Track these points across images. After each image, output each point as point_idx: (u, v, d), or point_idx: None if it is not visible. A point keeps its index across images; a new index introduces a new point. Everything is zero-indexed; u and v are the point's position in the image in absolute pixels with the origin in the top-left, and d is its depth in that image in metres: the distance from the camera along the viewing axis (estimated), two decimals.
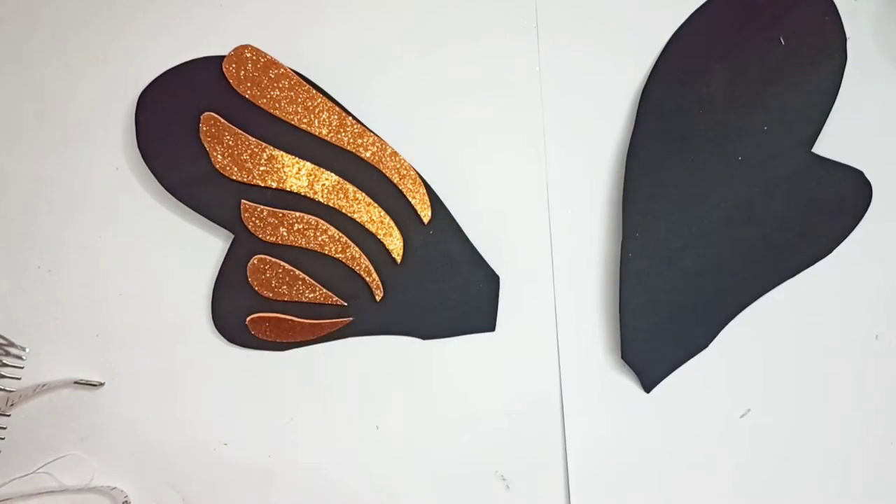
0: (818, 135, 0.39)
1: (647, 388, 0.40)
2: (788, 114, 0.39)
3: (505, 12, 0.41)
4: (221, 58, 0.38)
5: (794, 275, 0.39)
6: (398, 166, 0.39)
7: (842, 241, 0.39)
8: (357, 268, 0.39)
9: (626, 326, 0.39)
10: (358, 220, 0.39)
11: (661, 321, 0.39)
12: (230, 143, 0.38)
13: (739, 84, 0.39)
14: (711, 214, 0.39)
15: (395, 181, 0.39)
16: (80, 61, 0.42)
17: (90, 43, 0.42)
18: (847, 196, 0.39)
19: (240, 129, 0.38)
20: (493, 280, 0.40)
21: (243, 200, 0.38)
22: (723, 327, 0.39)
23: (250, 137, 0.38)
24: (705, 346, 0.39)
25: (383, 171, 0.39)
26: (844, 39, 0.39)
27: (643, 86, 0.40)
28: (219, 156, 0.38)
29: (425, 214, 0.39)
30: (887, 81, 0.41)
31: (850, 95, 0.40)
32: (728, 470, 0.40)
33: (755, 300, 0.39)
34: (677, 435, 0.40)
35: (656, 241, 0.39)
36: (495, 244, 0.40)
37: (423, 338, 0.40)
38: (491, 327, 0.40)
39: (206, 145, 0.38)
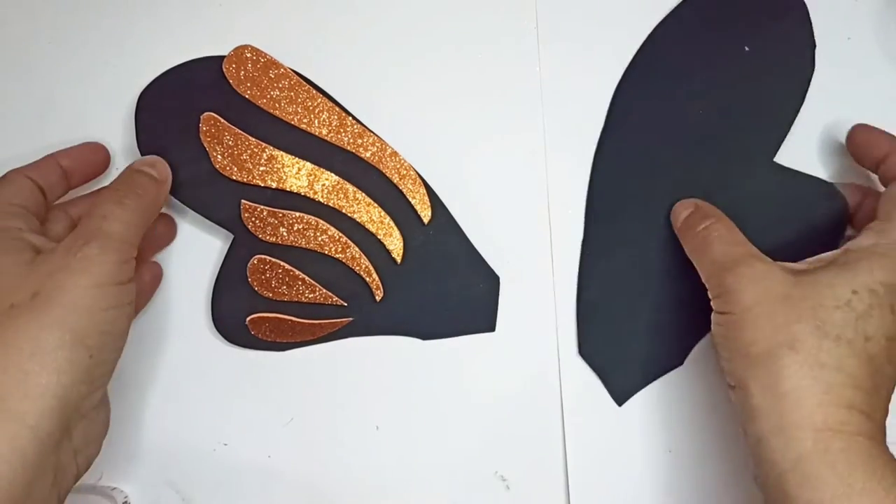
0: (779, 146, 0.39)
1: (618, 399, 0.40)
2: (752, 123, 0.39)
3: (505, 13, 0.41)
4: (221, 58, 0.38)
5: None
6: (398, 166, 0.39)
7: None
8: (357, 268, 0.39)
9: (583, 322, 0.40)
10: (358, 220, 0.39)
11: (625, 324, 0.39)
12: (230, 143, 0.38)
13: (706, 92, 0.39)
14: (668, 219, 0.39)
15: (395, 181, 0.39)
16: (80, 61, 0.42)
17: (90, 43, 0.42)
18: (816, 210, 0.38)
19: (240, 129, 0.38)
20: (493, 280, 0.40)
21: (243, 200, 0.38)
22: (695, 344, 0.39)
23: (250, 138, 0.38)
24: (679, 363, 0.40)
25: (383, 171, 0.39)
26: (813, 48, 0.39)
27: (612, 94, 0.40)
28: (219, 156, 0.38)
29: (425, 214, 0.39)
30: (887, 81, 0.41)
31: (851, 95, 0.40)
32: (728, 469, 0.40)
33: None
34: (677, 435, 0.40)
35: (616, 242, 0.40)
36: (495, 244, 0.40)
37: (423, 338, 0.40)
38: (491, 327, 0.40)
39: (205, 145, 0.38)
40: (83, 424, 0.32)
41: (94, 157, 0.39)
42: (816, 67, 0.40)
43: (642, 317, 0.39)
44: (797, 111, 0.39)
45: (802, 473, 0.29)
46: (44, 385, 0.29)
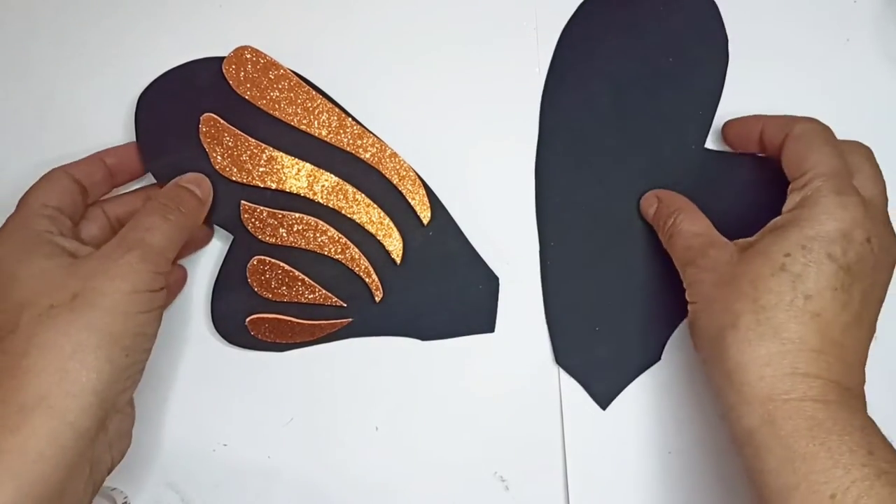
0: (707, 133, 0.39)
1: (602, 403, 0.40)
2: (676, 115, 0.40)
3: (505, 14, 0.41)
4: (221, 59, 0.38)
5: None
6: (398, 167, 0.39)
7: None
8: (356, 269, 0.39)
9: (556, 332, 0.40)
10: (357, 221, 0.39)
11: (597, 328, 0.40)
12: (230, 144, 0.38)
13: (629, 88, 0.40)
14: (621, 220, 0.40)
15: (394, 182, 0.39)
16: (80, 62, 0.41)
17: (90, 43, 0.42)
18: (755, 183, 0.39)
19: (239, 130, 0.38)
20: (492, 281, 0.40)
21: (243, 201, 0.38)
22: (668, 337, 0.40)
23: (250, 138, 0.38)
24: (657, 359, 0.40)
25: (383, 172, 0.39)
26: (726, 41, 0.39)
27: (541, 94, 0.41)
28: (218, 157, 0.38)
29: (425, 215, 0.39)
30: (887, 81, 0.41)
31: (851, 95, 0.40)
32: (729, 468, 0.40)
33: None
34: (678, 434, 0.40)
35: (574, 249, 0.40)
36: (495, 245, 0.40)
37: (423, 339, 0.40)
38: (490, 328, 0.40)
39: (205, 146, 0.38)
40: (117, 419, 0.33)
41: (134, 155, 0.39)
42: (816, 67, 0.40)
43: (611, 317, 0.40)
44: (717, 101, 0.39)
45: (753, 446, 0.30)
46: (83, 383, 0.30)
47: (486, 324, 0.40)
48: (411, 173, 0.39)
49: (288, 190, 0.39)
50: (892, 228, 0.33)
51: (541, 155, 0.40)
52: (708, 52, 0.40)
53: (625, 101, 0.40)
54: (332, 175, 0.39)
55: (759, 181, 0.38)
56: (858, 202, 0.31)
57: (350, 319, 0.40)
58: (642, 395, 0.40)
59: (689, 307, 0.34)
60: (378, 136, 0.39)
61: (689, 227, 0.36)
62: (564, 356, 0.40)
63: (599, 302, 0.40)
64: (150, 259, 0.33)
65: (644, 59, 0.40)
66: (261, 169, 0.38)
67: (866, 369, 0.40)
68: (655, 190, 0.39)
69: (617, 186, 0.40)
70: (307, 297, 0.39)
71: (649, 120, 0.40)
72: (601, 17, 0.40)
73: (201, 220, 0.37)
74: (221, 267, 0.39)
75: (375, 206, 0.39)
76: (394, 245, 0.39)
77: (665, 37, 0.40)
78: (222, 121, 0.38)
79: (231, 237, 0.39)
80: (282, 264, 0.39)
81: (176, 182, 0.37)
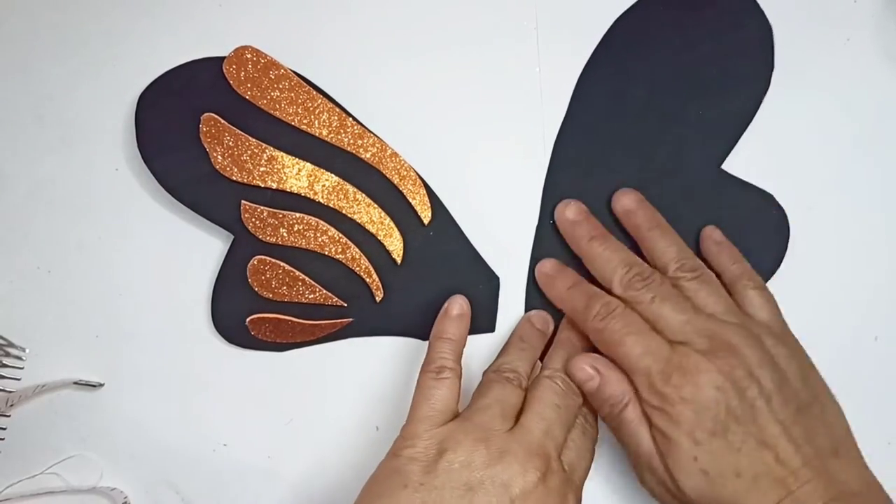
0: (727, 155, 0.39)
1: None
2: (704, 129, 0.39)
3: (505, 14, 0.41)
4: (222, 59, 0.38)
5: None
6: (398, 167, 0.39)
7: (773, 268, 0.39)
8: (357, 269, 0.39)
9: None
10: (358, 220, 0.39)
11: None
12: (230, 143, 0.38)
13: (665, 91, 0.39)
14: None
15: (395, 182, 0.39)
16: (80, 62, 0.41)
17: (90, 43, 0.42)
18: (755, 220, 0.39)
19: (240, 129, 0.38)
20: (492, 281, 0.40)
21: (243, 201, 0.38)
22: None
23: (250, 138, 0.38)
24: None
25: (383, 171, 0.39)
26: (772, 68, 0.39)
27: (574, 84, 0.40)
28: (219, 156, 0.38)
29: (425, 215, 0.39)
30: (887, 81, 0.41)
31: (851, 95, 0.40)
32: None
33: None
34: None
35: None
36: (495, 245, 0.40)
37: (423, 338, 0.40)
38: (491, 328, 0.40)
39: (206, 146, 0.38)
40: None
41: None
42: (816, 67, 0.40)
43: None
44: (746, 126, 0.39)
45: None
46: None
47: (486, 324, 0.40)
48: (412, 173, 0.39)
49: (288, 190, 0.39)
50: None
51: (560, 144, 0.40)
52: (754, 74, 0.39)
53: (657, 103, 0.39)
54: (333, 175, 0.39)
55: (764, 214, 0.39)
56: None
57: (350, 319, 0.40)
58: None
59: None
60: (378, 135, 0.39)
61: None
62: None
63: None
64: None
65: (688, 67, 0.39)
66: (261, 169, 0.38)
67: (864, 370, 0.40)
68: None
69: (623, 176, 0.39)
70: (307, 297, 0.39)
71: (676, 127, 0.39)
72: (655, 17, 0.40)
73: None
74: (221, 267, 0.39)
75: (376, 205, 0.39)
76: (394, 245, 0.39)
77: (716, 50, 0.39)
78: (222, 121, 0.38)
79: (231, 237, 0.39)
80: (282, 264, 0.39)
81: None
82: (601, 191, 0.39)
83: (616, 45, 0.40)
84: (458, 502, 0.31)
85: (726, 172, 0.39)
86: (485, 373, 0.37)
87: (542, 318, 0.39)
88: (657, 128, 0.39)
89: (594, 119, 0.40)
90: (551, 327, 0.39)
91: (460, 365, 0.36)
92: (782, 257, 0.39)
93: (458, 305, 0.38)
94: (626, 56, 0.40)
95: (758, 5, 0.39)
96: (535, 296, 0.40)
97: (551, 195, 0.40)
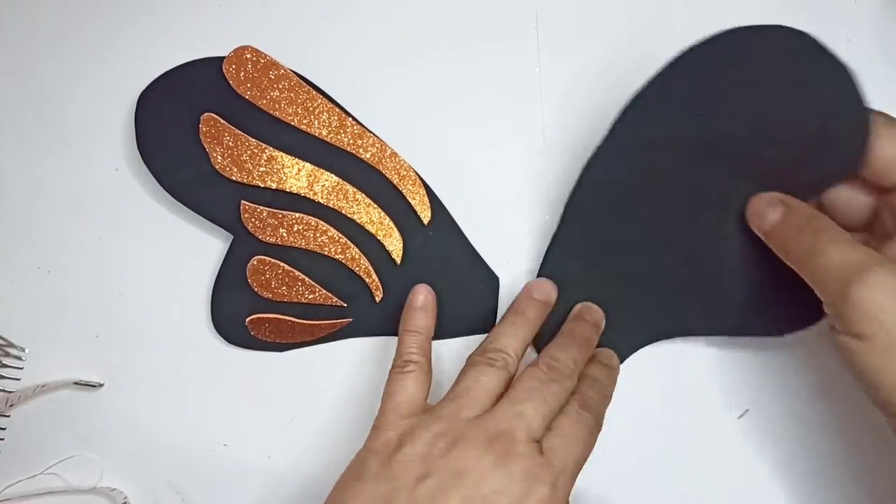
0: None
1: None
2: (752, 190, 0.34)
3: (505, 13, 0.41)
4: (221, 58, 0.38)
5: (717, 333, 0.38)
6: (398, 167, 0.39)
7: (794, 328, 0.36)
8: (357, 269, 0.39)
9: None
10: (358, 220, 0.39)
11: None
12: (230, 143, 0.38)
13: (715, 143, 0.35)
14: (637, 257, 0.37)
15: (394, 182, 0.39)
16: (80, 62, 0.42)
17: (90, 43, 0.42)
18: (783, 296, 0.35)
19: (240, 129, 0.38)
20: (492, 281, 0.40)
21: (243, 201, 0.38)
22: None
23: (250, 138, 0.38)
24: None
25: (383, 171, 0.39)
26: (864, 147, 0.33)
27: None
28: (218, 156, 0.38)
29: (425, 215, 0.39)
30: (887, 81, 0.41)
31: None
32: (728, 468, 0.40)
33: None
34: (677, 435, 0.40)
35: (574, 275, 0.38)
36: (495, 244, 0.40)
37: None
38: (490, 328, 0.40)
39: (205, 146, 0.38)
40: None
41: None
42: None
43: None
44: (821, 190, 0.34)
45: None
46: None
47: (486, 324, 0.40)
48: (412, 173, 0.39)
49: (288, 190, 0.39)
50: None
51: (596, 158, 0.36)
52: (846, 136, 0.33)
53: (710, 150, 0.35)
54: (333, 175, 0.39)
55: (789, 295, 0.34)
56: None
57: (350, 319, 0.40)
58: (644, 395, 0.40)
59: (853, 342, 0.28)
60: (378, 135, 0.39)
61: (840, 235, 0.30)
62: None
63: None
64: None
65: (752, 120, 0.34)
66: (261, 169, 0.38)
67: None
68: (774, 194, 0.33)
69: (649, 232, 0.37)
70: (307, 297, 0.39)
71: (722, 179, 0.35)
72: (720, 61, 0.34)
73: None
74: (221, 267, 0.39)
75: (375, 205, 0.39)
76: (394, 245, 0.39)
77: (795, 111, 0.34)
78: (222, 120, 0.38)
79: (231, 237, 0.39)
80: (282, 264, 0.39)
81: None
82: (617, 238, 0.38)
83: (667, 85, 0.35)
84: (409, 494, 0.30)
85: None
86: (470, 356, 0.35)
87: (543, 289, 0.37)
88: (702, 175, 0.35)
89: (633, 151, 0.36)
90: (553, 297, 0.37)
91: (427, 356, 0.36)
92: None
93: (421, 297, 0.38)
94: (677, 100, 0.35)
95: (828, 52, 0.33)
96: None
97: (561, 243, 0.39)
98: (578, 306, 0.38)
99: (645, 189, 0.36)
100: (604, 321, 0.38)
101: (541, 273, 0.39)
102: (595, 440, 0.33)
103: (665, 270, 0.37)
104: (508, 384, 0.34)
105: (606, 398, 0.35)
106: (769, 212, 0.33)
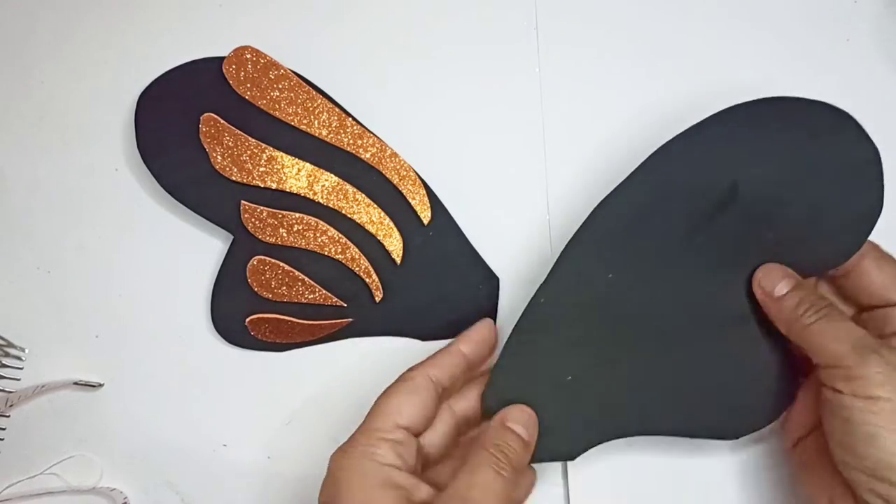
0: None
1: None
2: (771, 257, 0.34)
3: (504, 14, 0.41)
4: (221, 59, 0.38)
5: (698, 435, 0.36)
6: (398, 167, 0.39)
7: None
8: (357, 269, 0.39)
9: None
10: (358, 221, 0.39)
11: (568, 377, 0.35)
12: (230, 143, 0.38)
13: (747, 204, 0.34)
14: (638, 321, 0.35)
15: (394, 182, 0.39)
16: (80, 61, 0.42)
17: (90, 43, 0.42)
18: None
19: (239, 129, 0.38)
20: (492, 281, 0.40)
21: (243, 201, 0.38)
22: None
23: (250, 138, 0.38)
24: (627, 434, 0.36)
25: (383, 171, 0.39)
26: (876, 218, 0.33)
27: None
28: (218, 157, 0.38)
29: (425, 215, 0.39)
30: (887, 81, 0.41)
31: (851, 95, 0.40)
32: (728, 468, 0.40)
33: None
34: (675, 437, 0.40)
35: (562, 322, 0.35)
36: (495, 245, 0.40)
37: (423, 339, 0.40)
38: None
39: (205, 146, 0.38)
40: None
41: (490, 336, 0.37)
42: (816, 67, 0.40)
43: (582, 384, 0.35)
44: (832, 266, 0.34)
45: None
46: None
47: None
48: (412, 173, 0.39)
49: (288, 190, 0.39)
50: None
51: (601, 216, 0.35)
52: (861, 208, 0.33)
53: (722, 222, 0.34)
54: (333, 175, 0.39)
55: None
56: None
57: (350, 319, 0.40)
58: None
59: (853, 400, 0.30)
60: (378, 135, 0.39)
61: (843, 318, 0.32)
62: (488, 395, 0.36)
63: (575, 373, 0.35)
64: None
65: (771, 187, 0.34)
66: (261, 169, 0.38)
67: None
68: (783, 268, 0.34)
69: (660, 288, 0.35)
70: (307, 297, 0.39)
71: (734, 254, 0.34)
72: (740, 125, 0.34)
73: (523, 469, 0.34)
74: (221, 267, 0.39)
75: (376, 206, 0.39)
76: (394, 245, 0.39)
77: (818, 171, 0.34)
78: (222, 121, 0.38)
79: (231, 237, 0.39)
80: (282, 264, 0.39)
81: (502, 422, 0.33)
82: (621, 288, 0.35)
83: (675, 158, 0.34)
84: None
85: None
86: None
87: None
88: (712, 250, 0.34)
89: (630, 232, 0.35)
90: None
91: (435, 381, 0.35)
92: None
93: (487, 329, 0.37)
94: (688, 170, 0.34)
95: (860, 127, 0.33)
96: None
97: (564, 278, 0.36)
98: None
99: (634, 270, 0.35)
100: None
101: (506, 346, 0.36)
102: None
103: (635, 361, 0.35)
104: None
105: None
106: (782, 283, 0.34)
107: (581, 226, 0.35)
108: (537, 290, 0.35)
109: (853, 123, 0.33)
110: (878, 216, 0.33)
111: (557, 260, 0.35)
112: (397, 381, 0.34)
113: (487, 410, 0.35)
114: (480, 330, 0.37)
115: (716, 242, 0.34)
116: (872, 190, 0.33)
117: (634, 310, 0.35)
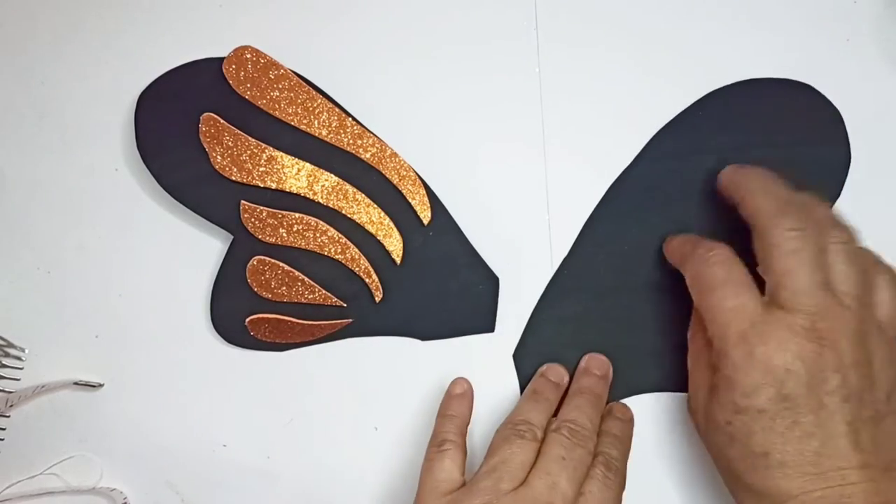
0: None
1: None
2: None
3: (504, 14, 0.41)
4: (221, 59, 0.38)
5: None
6: (398, 167, 0.39)
7: None
8: (357, 269, 0.39)
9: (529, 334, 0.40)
10: (357, 221, 0.39)
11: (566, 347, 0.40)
12: (230, 143, 0.38)
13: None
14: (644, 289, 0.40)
15: (394, 182, 0.39)
16: (80, 61, 0.42)
17: (90, 43, 0.42)
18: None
19: (239, 129, 0.38)
20: (492, 281, 0.40)
21: (243, 201, 0.38)
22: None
23: (250, 138, 0.38)
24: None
25: (383, 171, 0.39)
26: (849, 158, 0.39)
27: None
28: (218, 156, 0.38)
29: (425, 216, 0.39)
30: (887, 81, 0.41)
31: (851, 95, 0.40)
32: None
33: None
34: (677, 436, 0.40)
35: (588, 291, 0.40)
36: (495, 245, 0.40)
37: (423, 339, 0.40)
38: (490, 328, 0.40)
39: (205, 146, 0.38)
40: None
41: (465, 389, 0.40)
42: (816, 67, 0.40)
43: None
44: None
45: None
46: None
47: (486, 324, 0.40)
48: (411, 173, 0.39)
49: (288, 190, 0.39)
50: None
51: (611, 197, 0.40)
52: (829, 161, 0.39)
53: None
54: (332, 175, 0.39)
55: None
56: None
57: (350, 319, 0.40)
58: (642, 396, 0.40)
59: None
60: (378, 135, 0.39)
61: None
62: (520, 354, 0.40)
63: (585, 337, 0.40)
64: None
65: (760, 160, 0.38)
66: (261, 169, 0.38)
67: None
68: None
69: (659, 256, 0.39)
70: (307, 298, 0.39)
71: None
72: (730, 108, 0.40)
73: None
74: (221, 267, 0.39)
75: (375, 206, 0.39)
76: (394, 245, 0.39)
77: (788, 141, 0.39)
78: (222, 121, 0.38)
79: (230, 237, 0.39)
80: (281, 264, 0.39)
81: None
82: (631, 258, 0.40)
83: (677, 133, 0.40)
84: None
85: None
86: (498, 429, 0.36)
87: (556, 371, 0.39)
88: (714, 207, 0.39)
89: (652, 186, 0.40)
90: (566, 380, 0.39)
91: (463, 437, 0.37)
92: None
93: (459, 385, 0.39)
94: (685, 146, 0.40)
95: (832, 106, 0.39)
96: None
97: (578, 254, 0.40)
98: (585, 358, 0.39)
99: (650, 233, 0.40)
100: (611, 371, 0.39)
101: (536, 310, 0.40)
102: (622, 499, 0.35)
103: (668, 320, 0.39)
104: (537, 454, 0.35)
105: (627, 453, 0.36)
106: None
107: (598, 203, 0.40)
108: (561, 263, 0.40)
109: (816, 93, 0.39)
110: (849, 165, 0.39)
111: (578, 235, 0.40)
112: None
113: (521, 370, 0.40)
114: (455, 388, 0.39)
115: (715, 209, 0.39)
116: (840, 144, 0.39)
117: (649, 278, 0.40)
